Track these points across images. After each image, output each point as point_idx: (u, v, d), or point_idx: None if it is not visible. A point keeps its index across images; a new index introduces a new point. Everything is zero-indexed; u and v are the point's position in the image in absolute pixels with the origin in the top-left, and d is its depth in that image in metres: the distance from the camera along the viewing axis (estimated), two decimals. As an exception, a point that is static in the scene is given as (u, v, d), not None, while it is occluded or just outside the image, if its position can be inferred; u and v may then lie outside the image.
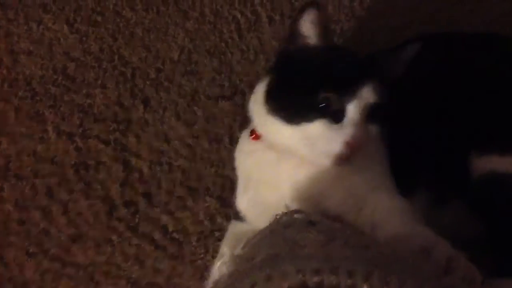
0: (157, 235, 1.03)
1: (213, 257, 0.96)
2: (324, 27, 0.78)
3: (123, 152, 1.14)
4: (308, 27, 0.77)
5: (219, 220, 1.03)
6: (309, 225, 0.62)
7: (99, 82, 1.24)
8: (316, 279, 0.53)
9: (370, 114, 0.76)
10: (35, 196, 1.09)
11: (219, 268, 0.79)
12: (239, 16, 1.32)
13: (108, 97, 1.22)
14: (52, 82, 1.25)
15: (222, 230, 0.99)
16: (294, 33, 0.79)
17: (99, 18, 1.35)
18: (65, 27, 1.34)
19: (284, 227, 0.63)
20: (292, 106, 0.77)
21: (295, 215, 0.65)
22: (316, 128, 0.75)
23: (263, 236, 0.64)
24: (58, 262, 1.01)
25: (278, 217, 0.67)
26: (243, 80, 1.21)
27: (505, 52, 0.94)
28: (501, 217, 0.82)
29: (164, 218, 1.05)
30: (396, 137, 0.83)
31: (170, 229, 1.03)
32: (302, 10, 0.77)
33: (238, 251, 0.65)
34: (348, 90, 0.74)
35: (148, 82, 1.23)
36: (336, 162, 0.76)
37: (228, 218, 1.00)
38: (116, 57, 1.28)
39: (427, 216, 0.78)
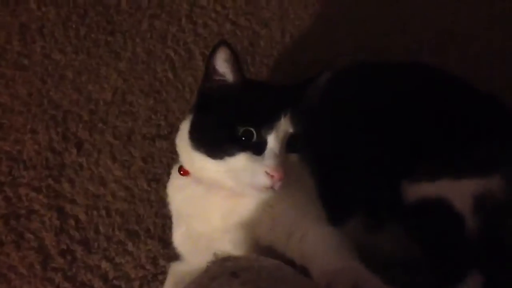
0: (96, 284, 0.98)
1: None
2: (237, 64, 0.81)
3: (57, 199, 1.09)
4: (222, 65, 0.80)
5: (162, 262, 1.00)
6: (232, 277, 0.64)
7: (28, 127, 1.20)
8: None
9: (290, 144, 0.80)
10: (-39, 253, 1.02)
11: None
12: (172, 54, 1.32)
13: (38, 143, 1.17)
14: (-23, 130, 1.19)
15: (166, 273, 0.96)
16: (210, 72, 0.82)
17: (26, 62, 1.30)
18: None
19: (211, 280, 0.65)
20: (215, 141, 0.80)
21: (225, 264, 0.67)
22: (239, 161, 0.78)
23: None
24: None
25: (207, 266, 0.69)
26: (180, 118, 1.20)
27: (429, 81, 0.99)
28: (435, 240, 0.85)
29: (104, 265, 1.01)
30: (328, 164, 0.86)
31: (111, 276, 0.99)
32: (214, 50, 0.80)
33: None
34: (267, 122, 0.78)
35: (80, 125, 1.20)
36: (262, 192, 0.79)
37: (171, 260, 0.97)
38: (45, 100, 1.24)
39: (363, 241, 0.80)
